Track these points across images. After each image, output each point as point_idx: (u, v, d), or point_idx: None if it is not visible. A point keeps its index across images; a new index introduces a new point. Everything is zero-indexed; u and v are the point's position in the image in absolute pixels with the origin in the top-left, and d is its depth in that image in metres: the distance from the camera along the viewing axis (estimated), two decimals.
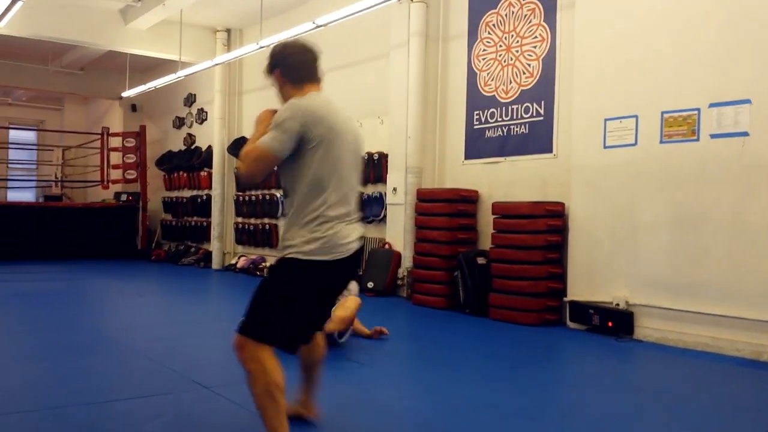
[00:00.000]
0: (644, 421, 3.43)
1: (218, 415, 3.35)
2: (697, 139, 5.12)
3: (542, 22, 6.71)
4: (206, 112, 12.48)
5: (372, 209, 8.49)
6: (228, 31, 11.27)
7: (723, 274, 4.97)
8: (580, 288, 5.94)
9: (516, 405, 3.62)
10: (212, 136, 11.64)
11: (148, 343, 5.11)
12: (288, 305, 2.59)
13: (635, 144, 5.53)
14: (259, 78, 11.30)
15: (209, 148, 11.90)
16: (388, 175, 8.12)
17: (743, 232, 4.88)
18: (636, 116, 5.52)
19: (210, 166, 11.76)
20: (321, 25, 7.59)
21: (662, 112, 5.34)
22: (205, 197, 12.14)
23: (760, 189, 4.81)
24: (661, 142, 5.36)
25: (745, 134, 4.87)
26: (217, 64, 10.45)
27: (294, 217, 2.64)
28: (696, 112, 5.12)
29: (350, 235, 2.66)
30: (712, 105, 5.05)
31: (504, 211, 6.46)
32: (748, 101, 4.87)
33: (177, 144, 13.39)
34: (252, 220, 11.01)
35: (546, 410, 3.59)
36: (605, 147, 5.75)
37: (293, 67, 2.78)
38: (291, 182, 2.67)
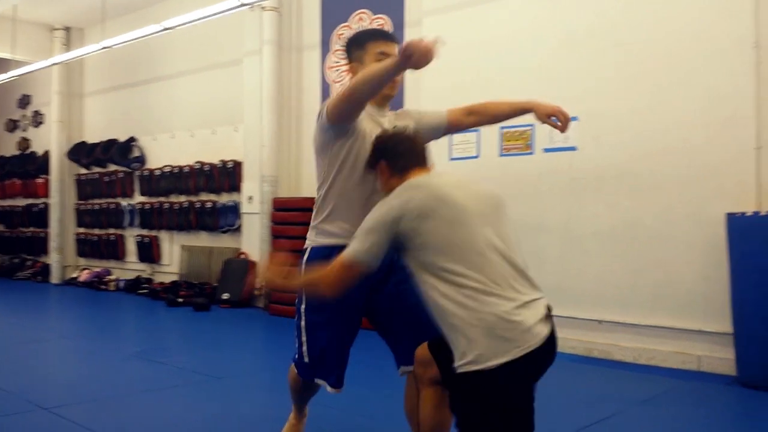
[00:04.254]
0: None
1: None
2: (533, 153, 5.56)
3: None
4: (43, 115, 11.64)
5: (227, 219, 8.34)
6: (67, 29, 10.61)
7: (556, 277, 5.41)
8: None
9: (382, 409, 3.74)
10: (50, 140, 10.88)
11: None
12: None
13: (478, 156, 5.90)
14: (102, 79, 10.75)
15: (46, 153, 11.11)
16: (243, 184, 8.02)
17: (572, 239, 5.36)
18: (477, 130, 5.89)
19: (47, 173, 10.98)
20: (168, 28, 7.36)
21: (501, 127, 5.71)
22: (42, 206, 11.31)
23: (585, 199, 5.32)
24: (501, 155, 5.76)
25: (573, 149, 5.36)
26: (54, 64, 9.79)
27: None
28: (530, 127, 5.55)
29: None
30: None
31: None
32: (575, 119, 5.36)
33: (10, 149, 12.38)
34: (96, 231, 10.40)
35: None
36: (451, 159, 6.07)
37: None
38: None
